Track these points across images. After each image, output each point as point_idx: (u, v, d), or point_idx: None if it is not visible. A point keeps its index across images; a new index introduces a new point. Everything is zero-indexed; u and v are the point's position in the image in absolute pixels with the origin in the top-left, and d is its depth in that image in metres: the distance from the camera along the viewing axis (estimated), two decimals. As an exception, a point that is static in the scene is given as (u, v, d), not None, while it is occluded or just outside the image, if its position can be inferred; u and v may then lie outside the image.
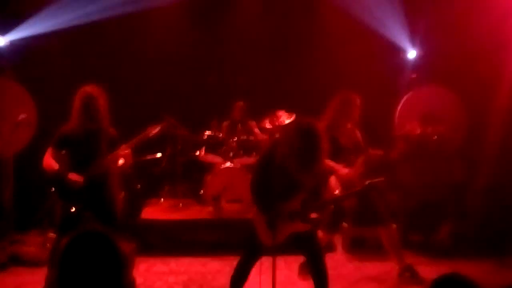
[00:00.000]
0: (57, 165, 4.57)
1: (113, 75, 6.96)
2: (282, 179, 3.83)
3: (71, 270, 1.79)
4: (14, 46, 6.54)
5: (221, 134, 6.84)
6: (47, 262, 4.88)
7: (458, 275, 1.94)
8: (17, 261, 5.57)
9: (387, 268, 5.38)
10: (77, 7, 6.82)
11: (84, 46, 7.29)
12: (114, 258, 1.81)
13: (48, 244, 5.81)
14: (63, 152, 4.64)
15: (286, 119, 6.23)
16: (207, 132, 6.73)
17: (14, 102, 6.26)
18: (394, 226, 5.11)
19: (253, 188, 4.05)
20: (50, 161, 4.59)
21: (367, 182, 4.19)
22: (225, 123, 7.27)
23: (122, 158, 4.67)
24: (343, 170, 4.90)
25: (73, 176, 4.53)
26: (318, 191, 3.98)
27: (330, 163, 4.79)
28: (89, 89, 4.61)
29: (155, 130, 4.81)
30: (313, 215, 3.96)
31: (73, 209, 4.57)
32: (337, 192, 4.77)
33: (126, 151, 4.62)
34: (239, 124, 7.01)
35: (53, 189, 4.90)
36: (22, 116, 5.14)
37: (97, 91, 4.62)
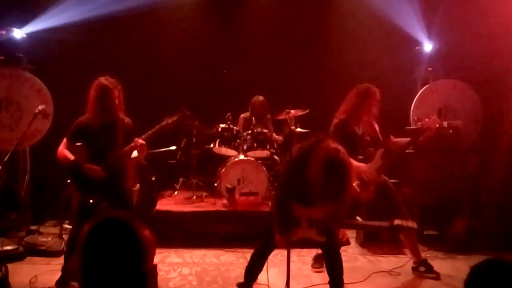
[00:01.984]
0: (72, 155, 4.58)
1: (129, 68, 7.02)
2: (310, 183, 3.72)
3: (95, 256, 1.80)
4: (31, 39, 6.59)
5: (235, 127, 6.85)
6: (64, 251, 4.95)
7: (498, 260, 1.85)
8: (34, 251, 5.62)
9: (401, 262, 5.37)
10: (94, 1, 6.85)
11: (100, 39, 7.32)
12: (137, 244, 1.83)
13: (63, 235, 5.88)
14: (79, 143, 4.64)
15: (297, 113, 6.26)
16: (222, 125, 6.74)
17: (31, 94, 6.32)
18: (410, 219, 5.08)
19: (279, 192, 4.08)
20: (65, 152, 4.61)
21: (395, 223, 4.20)
22: (242, 116, 7.28)
23: (138, 150, 4.65)
24: (362, 167, 4.85)
25: (91, 166, 4.56)
26: (342, 207, 3.95)
27: (354, 162, 4.77)
28: (104, 80, 4.62)
29: (170, 122, 4.83)
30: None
31: (91, 201, 4.60)
32: (355, 184, 4.74)
33: (141, 143, 4.61)
34: (255, 118, 7.00)
35: (69, 180, 4.95)
36: (39, 108, 5.16)
37: (112, 82, 4.63)
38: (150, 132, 4.70)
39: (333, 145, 3.70)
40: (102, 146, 4.61)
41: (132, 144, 4.59)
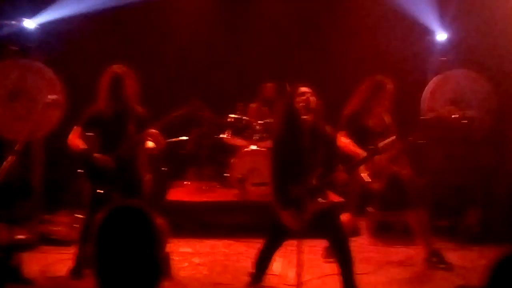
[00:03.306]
0: (84, 144, 4.57)
1: (140, 58, 6.97)
2: (297, 158, 3.89)
3: (109, 244, 1.81)
4: (43, 29, 6.61)
5: (246, 117, 6.83)
6: (77, 240, 4.93)
7: None
8: (46, 240, 5.68)
9: (413, 253, 5.36)
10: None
11: (112, 29, 7.32)
12: (150, 231, 1.83)
13: (76, 224, 5.91)
14: (91, 132, 4.64)
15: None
16: (233, 115, 6.72)
17: (43, 84, 6.33)
18: (423, 210, 5.05)
19: (272, 172, 4.10)
20: (76, 140, 4.59)
21: (379, 145, 4.35)
22: (252, 105, 7.25)
23: (153, 140, 4.64)
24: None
25: (100, 156, 4.51)
26: (333, 164, 4.00)
27: (355, 149, 4.74)
28: (117, 68, 4.59)
29: (183, 112, 4.78)
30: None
31: (101, 191, 4.56)
32: (365, 175, 4.72)
33: (155, 133, 4.59)
34: (266, 107, 6.98)
35: (80, 170, 4.94)
36: (51, 98, 5.17)
37: (125, 71, 4.60)
38: (162, 121, 4.65)
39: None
40: (114, 136, 4.56)
41: (144, 133, 4.56)
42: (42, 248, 5.56)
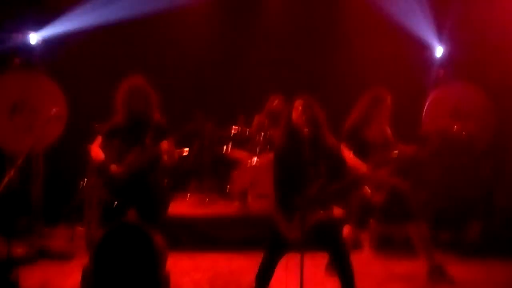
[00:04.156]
0: (103, 155, 4.50)
1: (143, 71, 6.99)
2: (298, 170, 3.93)
3: (106, 262, 1.80)
4: (46, 42, 6.65)
5: (248, 129, 6.84)
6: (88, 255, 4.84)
7: None
8: (46, 255, 5.64)
9: (415, 266, 5.32)
10: (109, 5, 6.89)
11: (115, 43, 7.37)
12: (150, 252, 1.82)
13: (76, 238, 5.89)
14: (112, 143, 4.56)
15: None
16: (234, 127, 6.73)
17: (45, 97, 6.35)
18: (424, 222, 5.05)
19: (273, 183, 4.12)
20: (97, 151, 4.53)
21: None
22: (254, 117, 7.25)
23: (166, 154, 4.50)
24: (374, 168, 4.82)
25: (115, 168, 4.45)
26: (335, 176, 4.01)
27: (357, 162, 4.75)
28: (133, 79, 4.57)
29: (193, 126, 4.74)
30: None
31: (115, 203, 4.42)
32: (366, 187, 4.73)
33: (168, 146, 4.50)
34: (271, 119, 6.97)
35: (83, 183, 4.90)
36: (53, 111, 5.17)
37: (142, 81, 4.58)
38: (176, 135, 4.62)
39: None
40: (131, 147, 4.50)
41: (157, 147, 4.47)
42: (41, 263, 5.51)
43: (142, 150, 4.49)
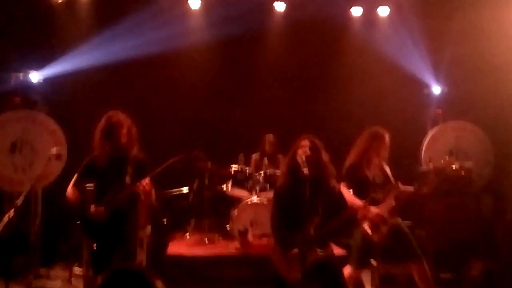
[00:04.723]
0: (79, 196, 4.32)
1: (143, 109, 7.08)
2: (298, 209, 3.94)
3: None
4: (47, 81, 6.73)
5: (248, 168, 6.86)
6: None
7: None
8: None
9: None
10: (110, 45, 7.02)
11: (114, 82, 7.45)
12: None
13: (72, 278, 5.82)
14: (90, 184, 4.31)
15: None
16: (234, 166, 6.75)
17: (45, 136, 6.38)
18: (425, 262, 5.01)
19: (272, 222, 4.12)
20: (72, 192, 4.37)
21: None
22: (254, 156, 7.30)
23: (142, 193, 4.28)
24: (373, 209, 4.82)
25: (94, 209, 4.23)
26: (334, 215, 4.01)
27: (355, 201, 4.75)
28: (112, 114, 4.40)
29: (177, 160, 4.48)
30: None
31: (95, 246, 4.32)
32: (366, 227, 4.71)
33: (144, 186, 4.24)
34: (267, 158, 7.03)
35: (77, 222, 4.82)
36: (54, 150, 5.18)
37: (120, 116, 4.41)
38: (155, 171, 4.35)
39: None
40: (110, 186, 4.28)
41: (135, 186, 4.25)
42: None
43: (121, 189, 4.27)
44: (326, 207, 4.07)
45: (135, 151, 4.42)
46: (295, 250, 3.92)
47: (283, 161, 4.61)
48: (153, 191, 4.34)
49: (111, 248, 4.27)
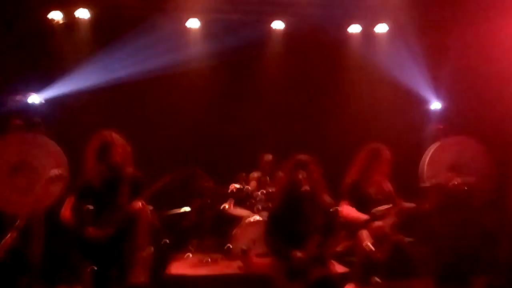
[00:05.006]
0: (76, 218, 4.26)
1: (143, 130, 7.12)
2: (296, 227, 3.96)
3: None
4: (47, 103, 6.76)
5: (248, 187, 6.85)
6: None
7: None
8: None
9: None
10: (109, 66, 7.07)
11: (116, 103, 7.49)
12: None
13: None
14: (86, 204, 4.24)
15: None
16: (235, 185, 6.74)
17: (46, 157, 6.38)
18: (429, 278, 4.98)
19: (269, 239, 4.11)
20: (67, 214, 4.33)
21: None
22: (253, 175, 7.30)
23: (140, 210, 4.27)
24: (376, 223, 4.81)
25: (91, 231, 4.18)
26: (332, 233, 4.01)
27: (359, 215, 4.74)
28: (104, 134, 4.37)
29: (171, 179, 4.50)
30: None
31: (90, 268, 4.22)
32: (369, 244, 4.69)
33: (142, 202, 4.28)
34: (267, 177, 7.03)
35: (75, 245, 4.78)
36: (55, 171, 5.18)
37: (113, 135, 4.37)
38: (150, 190, 4.35)
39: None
40: (106, 206, 4.23)
41: (131, 206, 4.23)
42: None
43: (118, 209, 4.23)
44: (325, 224, 4.08)
45: (130, 170, 4.38)
46: (295, 267, 3.91)
47: (279, 179, 4.60)
48: (149, 210, 4.33)
49: (111, 269, 4.24)
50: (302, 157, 4.28)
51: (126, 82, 7.06)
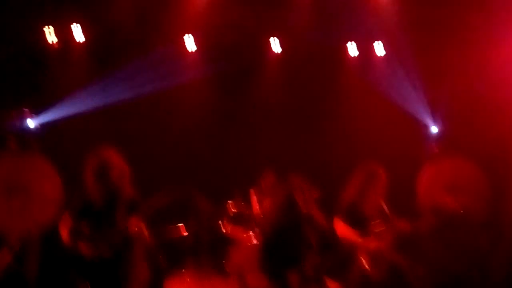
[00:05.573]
0: (71, 238, 4.32)
1: (139, 149, 7.14)
2: (292, 246, 4.04)
3: None
4: (43, 125, 6.79)
5: (245, 204, 6.87)
6: None
7: None
8: None
9: None
10: (105, 89, 7.13)
11: (112, 124, 7.54)
12: None
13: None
14: (84, 224, 4.34)
15: None
16: (231, 202, 6.77)
17: (42, 180, 6.38)
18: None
19: (265, 260, 4.12)
20: (66, 235, 4.37)
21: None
22: (252, 191, 7.31)
23: (135, 228, 4.31)
24: (371, 242, 4.83)
25: (85, 250, 4.25)
26: (328, 253, 4.04)
27: (354, 233, 4.76)
28: (102, 152, 4.43)
29: (163, 197, 4.62)
30: None
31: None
32: (364, 263, 4.70)
33: (139, 221, 4.32)
34: (265, 194, 7.04)
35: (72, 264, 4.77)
36: (50, 194, 5.18)
37: (110, 153, 4.43)
38: (145, 209, 4.42)
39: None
40: (103, 226, 4.29)
41: (128, 225, 4.27)
42: None
43: (115, 229, 4.27)
44: (320, 244, 4.11)
45: (128, 190, 4.41)
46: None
47: (275, 199, 4.63)
48: (146, 230, 4.37)
49: None
50: (297, 178, 4.33)
51: (122, 103, 7.11)
